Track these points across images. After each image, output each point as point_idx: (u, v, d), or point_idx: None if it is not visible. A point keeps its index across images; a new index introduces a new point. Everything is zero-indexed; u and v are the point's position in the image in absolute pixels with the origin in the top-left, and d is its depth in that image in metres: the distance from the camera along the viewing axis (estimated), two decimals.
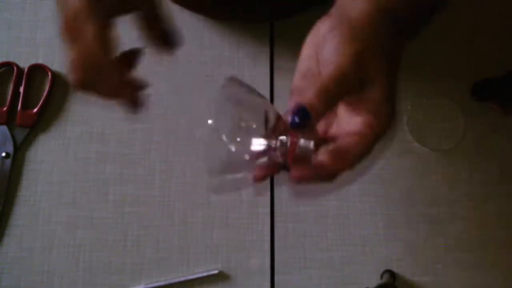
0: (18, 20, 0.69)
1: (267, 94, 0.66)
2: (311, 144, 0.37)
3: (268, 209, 0.61)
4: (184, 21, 0.69)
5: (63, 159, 0.63)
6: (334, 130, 0.41)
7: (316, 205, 0.61)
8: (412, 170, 0.62)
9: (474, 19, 0.68)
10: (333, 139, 0.39)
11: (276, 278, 0.59)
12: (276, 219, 0.61)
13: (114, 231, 0.61)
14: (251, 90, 0.39)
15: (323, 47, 0.38)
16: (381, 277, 0.58)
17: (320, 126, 0.41)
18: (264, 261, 0.59)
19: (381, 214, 0.61)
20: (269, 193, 0.62)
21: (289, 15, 0.67)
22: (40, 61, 0.67)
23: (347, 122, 0.39)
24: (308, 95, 0.35)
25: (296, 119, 0.35)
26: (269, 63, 0.67)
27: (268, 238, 0.60)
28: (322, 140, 0.38)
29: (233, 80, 0.39)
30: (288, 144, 0.37)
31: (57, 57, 0.68)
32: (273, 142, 0.37)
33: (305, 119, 0.35)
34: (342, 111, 0.40)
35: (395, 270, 0.58)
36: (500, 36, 0.67)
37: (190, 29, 0.68)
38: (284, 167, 0.38)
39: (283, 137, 0.37)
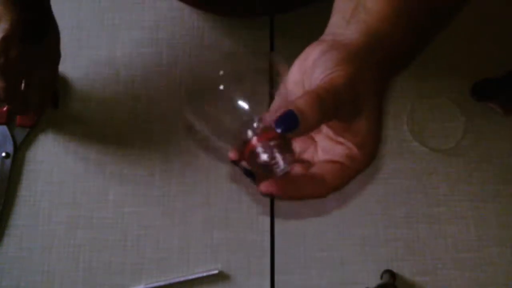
0: None
1: (266, 90, 0.65)
2: (280, 158, 0.34)
3: (268, 209, 0.61)
4: (184, 21, 0.69)
5: (63, 159, 0.63)
6: (309, 155, 0.39)
7: (316, 205, 0.61)
8: (412, 170, 0.62)
9: (474, 19, 0.68)
10: (307, 163, 0.38)
11: (276, 278, 0.59)
12: (276, 219, 0.61)
13: (114, 231, 0.61)
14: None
15: (312, 72, 0.36)
16: (381, 277, 0.58)
17: (295, 148, 0.39)
18: (264, 261, 0.59)
19: (381, 214, 0.61)
20: None
21: (289, 10, 0.67)
22: None
23: (327, 149, 0.37)
24: (299, 101, 0.33)
25: (284, 124, 0.33)
26: (268, 62, 0.67)
27: (268, 238, 0.60)
28: (292, 158, 0.36)
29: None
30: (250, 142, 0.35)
31: None
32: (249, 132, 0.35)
33: (293, 124, 0.32)
34: (322, 137, 0.38)
35: (395, 270, 0.58)
36: (500, 36, 0.67)
37: (190, 29, 0.68)
38: (249, 172, 0.36)
39: (249, 131, 0.35)
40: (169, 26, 0.69)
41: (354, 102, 0.34)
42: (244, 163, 0.36)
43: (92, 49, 0.68)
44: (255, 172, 0.35)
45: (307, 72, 0.37)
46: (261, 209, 0.61)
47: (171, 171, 0.63)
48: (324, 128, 0.38)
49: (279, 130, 0.33)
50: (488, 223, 0.60)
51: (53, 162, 0.63)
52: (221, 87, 0.37)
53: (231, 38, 0.68)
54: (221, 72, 0.37)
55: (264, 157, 0.34)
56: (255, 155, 0.35)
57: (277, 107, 0.37)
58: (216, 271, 0.58)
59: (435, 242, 0.60)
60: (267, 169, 0.35)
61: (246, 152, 0.35)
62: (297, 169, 0.37)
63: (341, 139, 0.36)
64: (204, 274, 0.58)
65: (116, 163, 0.63)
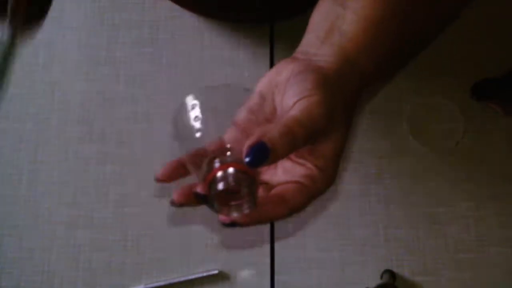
0: None
1: None
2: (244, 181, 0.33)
3: None
4: (184, 21, 0.69)
5: (63, 159, 0.63)
6: (268, 176, 0.38)
7: (316, 205, 0.61)
8: (412, 170, 0.62)
9: (474, 19, 0.68)
10: (266, 184, 0.37)
11: (276, 278, 0.59)
12: None
13: (114, 231, 0.61)
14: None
15: (284, 90, 0.35)
16: (381, 277, 0.58)
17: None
18: (264, 261, 0.59)
19: (381, 214, 0.61)
20: None
21: (289, 17, 0.67)
22: (40, 61, 0.67)
23: (287, 169, 0.36)
24: (272, 133, 0.32)
25: (254, 156, 0.32)
26: (268, 64, 0.67)
27: (268, 238, 0.60)
28: (256, 183, 0.34)
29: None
30: (213, 168, 0.34)
31: (57, 57, 0.68)
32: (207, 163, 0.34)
33: (263, 157, 0.32)
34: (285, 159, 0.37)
35: (395, 270, 0.58)
36: (500, 36, 0.67)
37: (190, 29, 0.68)
38: (205, 198, 0.34)
39: (217, 162, 0.34)
40: (169, 26, 0.69)
41: (328, 127, 0.34)
42: (200, 189, 0.34)
43: (92, 49, 0.68)
44: (216, 204, 0.34)
45: (280, 87, 0.36)
46: None
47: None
48: None
49: (247, 160, 0.32)
50: (488, 223, 0.60)
51: (53, 162, 0.63)
52: (194, 120, 0.36)
53: (231, 38, 0.68)
54: (196, 102, 0.36)
55: (221, 185, 0.33)
56: (216, 183, 0.33)
57: (243, 123, 0.36)
58: (216, 271, 0.58)
59: (435, 242, 0.60)
60: (230, 200, 0.34)
61: (208, 179, 0.34)
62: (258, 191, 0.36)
63: (302, 161, 0.36)
64: (204, 274, 0.58)
65: (116, 163, 0.63)
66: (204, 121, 0.35)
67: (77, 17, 0.70)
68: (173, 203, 0.36)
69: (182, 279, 0.58)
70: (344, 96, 0.36)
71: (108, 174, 0.63)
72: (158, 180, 0.37)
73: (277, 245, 0.60)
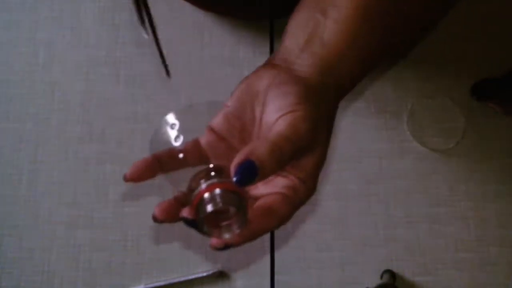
0: (18, 20, 0.69)
1: None
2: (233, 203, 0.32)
3: None
4: (184, 21, 0.69)
5: (63, 159, 0.63)
6: (249, 189, 0.37)
7: (316, 205, 0.61)
8: (412, 170, 0.62)
9: (474, 19, 0.68)
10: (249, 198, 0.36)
11: (276, 278, 0.59)
12: None
13: (114, 231, 0.61)
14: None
15: (265, 100, 0.35)
16: (381, 277, 0.58)
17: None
18: (264, 261, 0.59)
19: (381, 214, 0.61)
20: None
21: (289, 14, 0.67)
22: (40, 61, 0.67)
23: (268, 182, 0.36)
24: (260, 151, 0.32)
25: (242, 175, 0.31)
26: None
27: (268, 238, 0.60)
28: (245, 201, 0.33)
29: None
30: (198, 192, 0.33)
31: (57, 57, 0.68)
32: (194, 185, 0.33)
33: (252, 176, 0.31)
34: None
35: (395, 270, 0.58)
36: (500, 36, 0.67)
37: (190, 29, 0.68)
38: (193, 223, 0.33)
39: (203, 183, 0.33)
40: (169, 26, 0.69)
41: (312, 142, 0.34)
42: (186, 213, 0.33)
43: (92, 49, 0.68)
44: (205, 227, 0.33)
45: (260, 97, 0.35)
46: None
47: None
48: None
49: (235, 179, 0.31)
50: (488, 223, 0.60)
51: (53, 162, 0.63)
52: (174, 140, 0.36)
53: (231, 39, 0.68)
54: (176, 121, 0.36)
55: (210, 207, 0.32)
56: (204, 205, 0.32)
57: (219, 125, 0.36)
58: (216, 271, 0.58)
59: (435, 242, 0.60)
60: (220, 221, 0.33)
61: (195, 202, 0.33)
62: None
63: (283, 173, 0.35)
64: (204, 274, 0.58)
65: (116, 163, 0.63)
66: (185, 140, 0.35)
67: (77, 17, 0.70)
68: (155, 220, 0.35)
69: (182, 279, 0.58)
70: (326, 109, 0.36)
71: (108, 174, 0.63)
72: (126, 179, 0.36)
73: (277, 245, 0.60)
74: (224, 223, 0.33)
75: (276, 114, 0.34)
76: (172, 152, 0.35)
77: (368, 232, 0.60)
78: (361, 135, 0.64)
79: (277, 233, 0.60)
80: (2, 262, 0.60)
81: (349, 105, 0.65)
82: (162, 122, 0.36)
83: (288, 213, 0.35)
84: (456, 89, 0.65)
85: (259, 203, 0.35)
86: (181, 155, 0.35)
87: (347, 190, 0.62)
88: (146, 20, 0.35)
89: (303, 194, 0.35)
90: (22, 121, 0.65)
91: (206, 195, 0.32)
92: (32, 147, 0.64)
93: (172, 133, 0.35)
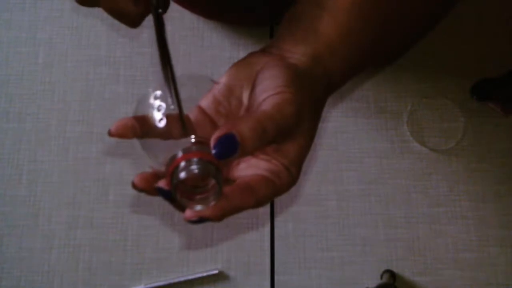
0: (18, 20, 0.69)
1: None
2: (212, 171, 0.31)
3: (268, 209, 0.61)
4: (184, 21, 0.69)
5: (63, 159, 0.63)
6: (230, 170, 0.36)
7: (316, 205, 0.61)
8: (412, 170, 0.62)
9: (474, 19, 0.68)
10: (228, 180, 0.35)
11: (276, 278, 0.59)
12: (276, 219, 0.61)
13: (114, 231, 0.61)
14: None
15: (254, 83, 0.35)
16: (381, 277, 0.58)
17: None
18: (264, 261, 0.59)
19: (381, 214, 0.61)
20: None
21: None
22: (40, 61, 0.67)
23: (251, 164, 0.35)
24: (241, 127, 0.31)
25: (221, 147, 0.30)
26: None
27: (268, 238, 0.60)
28: (221, 173, 0.32)
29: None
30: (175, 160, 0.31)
31: (57, 57, 0.68)
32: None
33: (232, 150, 0.31)
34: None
35: (395, 270, 0.58)
36: (500, 36, 0.67)
37: (190, 29, 0.68)
38: (167, 194, 0.32)
39: (179, 152, 0.32)
40: (169, 26, 0.69)
41: (296, 127, 0.34)
42: (162, 184, 0.32)
43: (92, 49, 0.68)
44: (178, 196, 0.32)
45: (248, 81, 0.35)
46: (261, 209, 0.61)
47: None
48: None
49: (214, 152, 0.30)
50: (488, 223, 0.60)
51: (53, 162, 0.63)
52: (156, 110, 0.35)
53: (231, 39, 0.68)
54: (158, 92, 0.35)
55: (183, 174, 0.31)
56: (178, 172, 0.31)
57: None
58: (216, 271, 0.58)
59: (435, 242, 0.60)
60: (195, 195, 0.32)
61: (170, 170, 0.32)
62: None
63: (267, 157, 0.35)
64: (204, 274, 0.58)
65: (116, 163, 0.63)
66: (167, 110, 0.34)
67: (77, 17, 0.70)
68: (134, 187, 0.34)
69: (182, 279, 0.58)
70: (313, 99, 0.35)
71: (108, 174, 0.63)
72: (111, 134, 0.34)
73: (277, 245, 0.60)
74: (199, 196, 0.32)
75: (263, 95, 0.34)
76: (156, 123, 0.35)
77: (368, 232, 0.60)
78: (361, 135, 0.64)
79: (277, 232, 0.60)
80: (2, 262, 0.60)
81: (349, 105, 0.65)
82: (144, 95, 0.35)
83: (268, 196, 0.34)
84: (456, 89, 0.65)
85: (238, 180, 0.34)
86: (163, 123, 0.34)
87: (347, 190, 0.62)
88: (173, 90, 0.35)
89: (285, 181, 0.34)
90: (22, 121, 0.65)
91: (182, 163, 0.31)
92: (32, 147, 0.64)
93: (156, 103, 0.35)
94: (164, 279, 0.59)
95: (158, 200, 0.62)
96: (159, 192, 0.33)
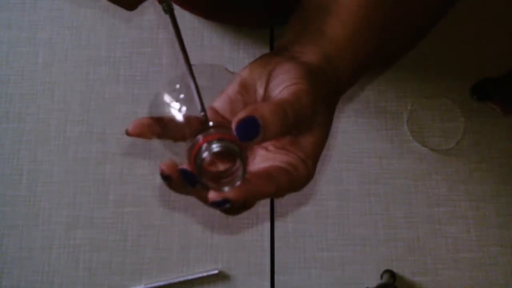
0: (18, 20, 0.69)
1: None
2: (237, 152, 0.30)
3: (268, 209, 0.61)
4: (184, 21, 0.69)
5: (63, 159, 0.63)
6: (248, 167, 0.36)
7: (316, 205, 0.61)
8: (412, 170, 0.62)
9: (474, 19, 0.68)
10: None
11: (276, 278, 0.59)
12: (276, 219, 0.61)
13: (114, 231, 0.61)
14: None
15: (268, 81, 0.35)
16: (381, 277, 0.58)
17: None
18: (264, 261, 0.59)
19: (381, 214, 0.61)
20: None
21: (288, 21, 0.67)
22: (40, 61, 0.67)
23: (268, 158, 0.35)
24: (263, 110, 0.31)
25: (243, 130, 0.30)
26: None
27: (268, 238, 0.60)
28: (245, 153, 0.32)
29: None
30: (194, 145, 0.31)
31: (57, 57, 0.68)
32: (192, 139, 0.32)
33: (253, 132, 0.30)
34: (261, 149, 0.36)
35: (395, 270, 0.58)
36: (500, 36, 0.67)
37: (190, 29, 0.68)
38: (192, 178, 0.32)
39: (200, 136, 0.31)
40: (169, 26, 0.69)
41: (311, 118, 0.34)
42: (185, 166, 0.32)
43: (92, 49, 0.68)
44: (203, 178, 0.31)
45: (263, 79, 0.35)
46: (261, 209, 0.61)
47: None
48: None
49: (236, 134, 0.30)
50: (488, 223, 0.60)
51: (53, 162, 0.63)
52: (174, 102, 0.34)
53: (231, 39, 0.68)
54: (178, 86, 0.35)
55: (206, 154, 0.30)
56: (201, 153, 0.31)
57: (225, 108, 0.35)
58: (216, 271, 0.58)
59: (435, 242, 0.60)
60: (219, 179, 0.31)
61: (193, 154, 0.31)
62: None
63: (283, 151, 0.35)
64: (204, 274, 0.58)
65: (116, 163, 0.63)
66: (184, 101, 0.33)
67: (77, 17, 0.70)
68: (162, 175, 0.33)
69: (182, 279, 0.58)
70: (326, 95, 0.36)
71: (108, 174, 0.63)
72: (128, 133, 0.34)
73: (277, 245, 0.60)
74: (224, 180, 0.32)
75: (279, 87, 0.34)
76: (173, 120, 0.34)
77: (368, 232, 0.60)
78: (361, 135, 0.64)
79: (277, 233, 0.60)
80: (2, 262, 0.60)
81: (349, 105, 0.65)
82: (158, 93, 0.35)
83: (286, 187, 0.33)
84: (456, 89, 0.65)
85: (258, 169, 0.34)
86: (183, 111, 0.34)
87: (347, 190, 0.62)
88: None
89: (302, 174, 0.34)
90: (22, 121, 0.65)
91: (204, 145, 0.31)
92: (32, 147, 0.64)
93: (173, 96, 0.34)
94: (164, 279, 0.59)
95: (158, 200, 0.63)
96: (184, 175, 0.32)
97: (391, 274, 0.58)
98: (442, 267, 0.59)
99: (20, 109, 0.66)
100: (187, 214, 0.61)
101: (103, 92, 0.66)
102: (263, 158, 0.35)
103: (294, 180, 0.34)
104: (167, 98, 0.35)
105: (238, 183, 0.31)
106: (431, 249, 0.59)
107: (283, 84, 0.34)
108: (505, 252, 0.59)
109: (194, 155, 0.31)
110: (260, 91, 0.36)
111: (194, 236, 0.60)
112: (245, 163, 0.31)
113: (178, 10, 0.67)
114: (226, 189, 0.31)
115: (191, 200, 0.63)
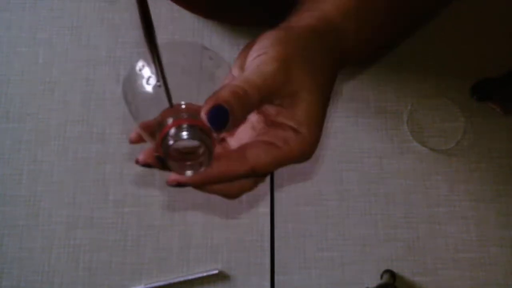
0: (18, 20, 0.69)
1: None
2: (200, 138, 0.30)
3: (268, 209, 0.61)
4: (184, 21, 0.69)
5: (63, 159, 0.63)
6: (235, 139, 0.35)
7: (316, 205, 0.61)
8: (412, 170, 0.62)
9: (475, 19, 0.68)
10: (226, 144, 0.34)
11: (276, 278, 0.59)
12: (276, 219, 0.61)
13: (114, 231, 0.61)
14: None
15: (249, 55, 0.34)
16: (381, 277, 0.58)
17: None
18: (264, 261, 0.59)
19: (381, 214, 0.61)
20: (269, 193, 0.62)
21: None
22: (40, 61, 0.67)
23: (259, 136, 0.34)
24: (223, 94, 0.30)
25: (214, 120, 0.30)
26: None
27: (268, 238, 0.60)
28: (211, 140, 0.31)
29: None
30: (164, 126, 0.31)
31: (57, 57, 0.68)
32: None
33: (224, 120, 0.30)
34: (254, 120, 0.35)
35: (395, 270, 0.58)
36: (500, 36, 0.67)
37: (190, 29, 0.68)
38: (162, 160, 0.32)
39: (170, 119, 0.31)
40: (169, 26, 0.69)
41: (286, 84, 0.32)
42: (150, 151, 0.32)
43: (92, 49, 0.68)
44: (168, 161, 0.31)
45: (244, 52, 0.35)
46: (261, 209, 0.61)
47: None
48: (254, 116, 0.35)
49: (210, 127, 0.30)
50: (488, 223, 0.60)
51: (53, 162, 0.63)
52: (147, 81, 0.34)
53: (231, 39, 0.68)
54: (144, 63, 0.34)
55: (172, 140, 0.30)
56: (167, 138, 0.31)
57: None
58: (216, 271, 0.58)
59: (435, 242, 0.60)
60: (186, 161, 0.31)
61: (160, 136, 0.31)
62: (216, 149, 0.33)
63: (272, 127, 0.33)
64: (204, 274, 0.58)
65: (116, 163, 0.63)
66: (158, 79, 0.32)
67: (77, 17, 0.70)
68: (137, 162, 0.34)
69: (182, 279, 0.58)
70: (312, 55, 0.33)
71: (108, 174, 0.63)
72: (131, 142, 0.35)
73: (277, 245, 0.60)
74: (190, 162, 0.32)
75: (249, 59, 0.33)
76: (144, 93, 0.34)
77: (368, 232, 0.60)
78: (361, 135, 0.64)
79: (277, 233, 0.60)
80: (2, 262, 0.60)
81: (349, 105, 0.65)
82: (132, 67, 0.35)
83: (266, 164, 0.32)
84: (456, 89, 0.65)
85: (236, 147, 0.33)
86: (150, 89, 0.34)
87: (347, 190, 0.62)
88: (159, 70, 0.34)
89: (295, 145, 0.32)
90: (22, 121, 0.65)
91: (172, 130, 0.31)
92: (32, 147, 0.64)
93: (145, 74, 0.34)
94: (164, 279, 0.59)
95: (158, 200, 0.63)
96: (157, 159, 0.33)
97: (391, 274, 0.58)
98: (442, 267, 0.59)
99: (20, 109, 0.66)
100: (187, 214, 0.61)
101: (103, 92, 0.66)
102: (256, 131, 0.34)
103: (283, 154, 0.32)
104: (138, 72, 0.35)
105: (202, 169, 0.31)
106: (431, 249, 0.59)
107: (252, 55, 0.33)
108: (505, 252, 0.59)
109: (162, 137, 0.31)
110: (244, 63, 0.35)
111: (194, 236, 0.60)
112: (211, 151, 0.31)
113: (178, 10, 0.67)
114: (189, 173, 0.31)
115: (191, 200, 0.64)
